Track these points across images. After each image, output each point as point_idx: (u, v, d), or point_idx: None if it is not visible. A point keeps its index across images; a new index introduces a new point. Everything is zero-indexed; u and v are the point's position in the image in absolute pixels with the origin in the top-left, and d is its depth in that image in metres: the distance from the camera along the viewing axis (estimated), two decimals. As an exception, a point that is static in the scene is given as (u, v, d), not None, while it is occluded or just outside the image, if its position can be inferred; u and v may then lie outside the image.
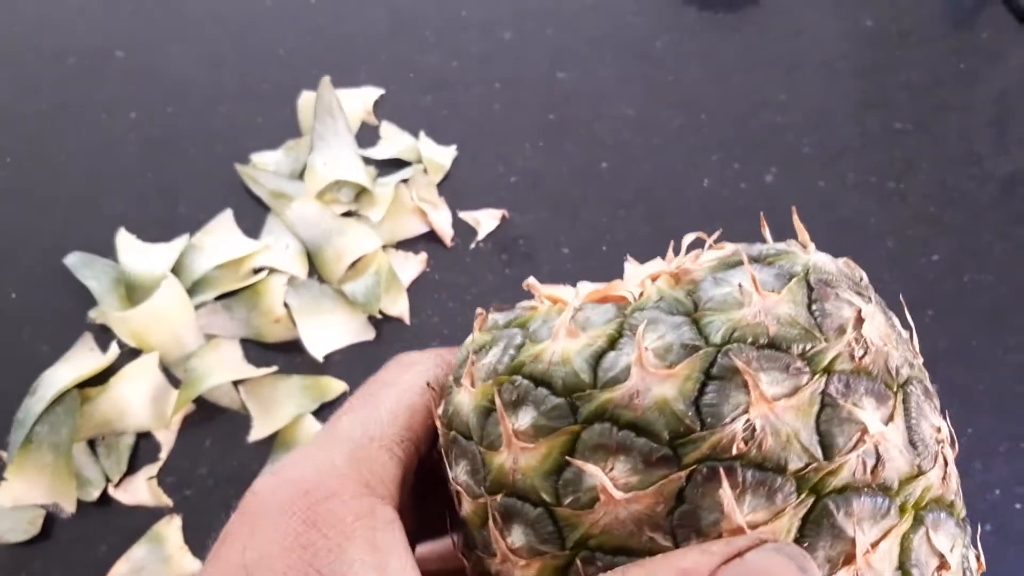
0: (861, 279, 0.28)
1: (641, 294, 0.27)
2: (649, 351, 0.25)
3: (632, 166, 0.71)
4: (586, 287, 0.31)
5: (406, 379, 0.31)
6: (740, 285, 0.25)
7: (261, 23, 0.77)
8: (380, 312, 0.63)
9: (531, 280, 0.30)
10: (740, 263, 0.27)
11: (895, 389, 0.26)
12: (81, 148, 0.70)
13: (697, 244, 0.30)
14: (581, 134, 0.72)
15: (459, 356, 0.30)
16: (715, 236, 0.30)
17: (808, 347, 0.25)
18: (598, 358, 0.25)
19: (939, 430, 0.27)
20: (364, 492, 0.27)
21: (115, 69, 0.74)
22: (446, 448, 0.29)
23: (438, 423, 0.29)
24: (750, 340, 0.24)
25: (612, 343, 0.25)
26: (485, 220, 0.68)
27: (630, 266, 0.31)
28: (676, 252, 0.30)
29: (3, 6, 0.77)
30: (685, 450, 0.24)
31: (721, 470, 0.23)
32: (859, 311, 0.26)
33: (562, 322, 0.26)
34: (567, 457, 0.25)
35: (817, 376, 0.24)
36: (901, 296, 0.32)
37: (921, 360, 0.28)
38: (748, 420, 0.23)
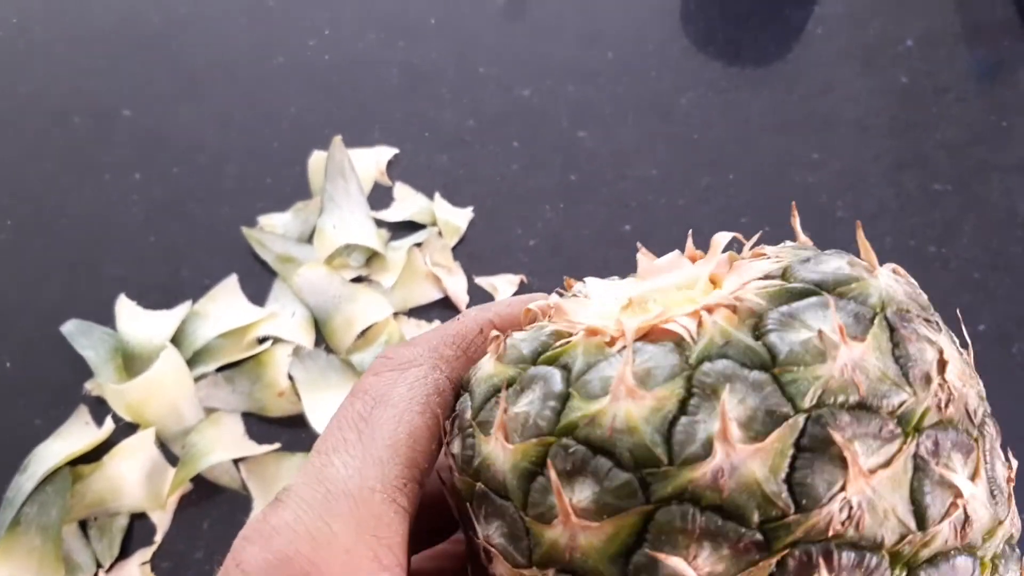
0: (920, 295, 0.26)
1: (699, 325, 0.23)
2: (733, 422, 0.21)
3: (657, 229, 0.68)
4: (597, 285, 0.28)
5: (402, 392, 0.26)
6: (821, 332, 0.22)
7: (272, 81, 0.74)
8: (390, 384, 0.59)
9: (556, 300, 0.27)
10: (805, 293, 0.24)
11: (975, 436, 0.24)
12: (83, 210, 0.68)
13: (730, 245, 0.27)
14: (603, 195, 0.69)
15: (478, 388, 0.26)
16: (754, 240, 0.27)
17: (898, 404, 0.22)
18: (670, 425, 0.22)
19: (1009, 466, 0.25)
20: (374, 570, 0.23)
21: (121, 129, 0.72)
22: (470, 499, 0.25)
23: (450, 461, 0.26)
24: (840, 401, 0.22)
25: (683, 405, 0.22)
26: (502, 286, 0.64)
27: (643, 259, 0.28)
28: (695, 244, 0.28)
29: (9, 64, 0.75)
30: (777, 533, 0.21)
31: (818, 555, 0.21)
32: (941, 352, 0.23)
33: (620, 378, 0.22)
34: (648, 551, 0.21)
35: (909, 438, 0.22)
36: (958, 311, 0.29)
37: (981, 383, 0.26)
38: (845, 498, 0.21)
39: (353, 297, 0.62)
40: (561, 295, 0.29)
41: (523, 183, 0.70)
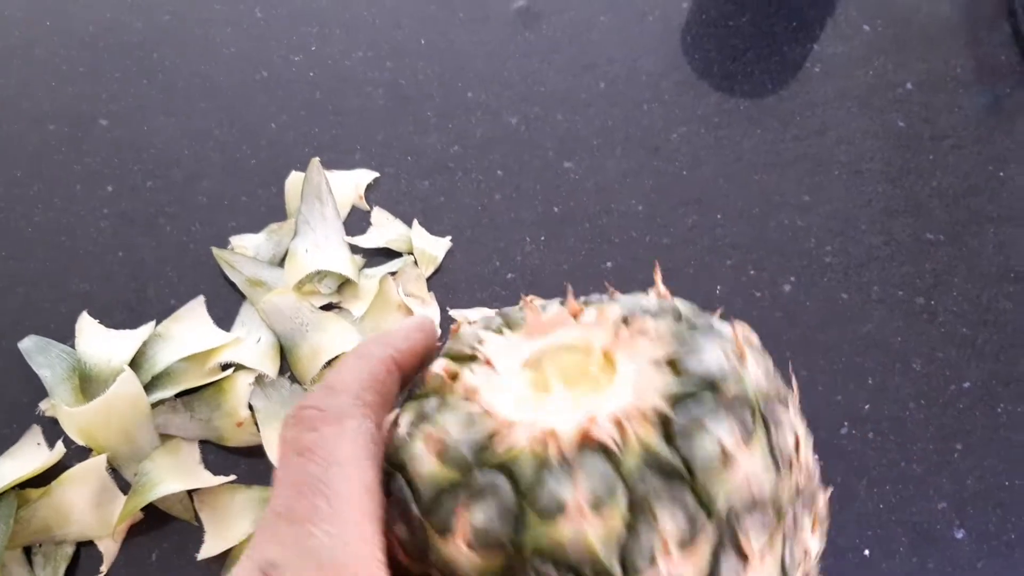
0: (768, 362, 0.30)
1: (622, 433, 0.26)
2: (670, 539, 0.25)
3: (640, 267, 0.66)
4: (491, 343, 0.30)
5: (349, 450, 0.27)
6: (723, 447, 0.26)
7: (253, 96, 0.73)
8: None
9: (464, 378, 0.30)
10: (699, 393, 0.27)
11: (813, 490, 0.29)
12: (51, 221, 0.66)
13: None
14: (586, 229, 0.68)
15: (421, 485, 0.28)
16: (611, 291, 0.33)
17: (774, 492, 0.27)
18: (620, 545, 0.25)
19: (824, 489, 0.31)
20: None
21: (96, 139, 0.70)
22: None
23: (393, 539, 0.28)
24: (739, 505, 0.26)
25: (628, 526, 0.25)
26: (477, 319, 0.62)
27: (530, 314, 0.31)
28: (576, 295, 0.33)
29: (-11, 66, 0.74)
30: None
31: None
32: (797, 436, 0.28)
33: (575, 504, 0.25)
34: None
35: (780, 520, 0.27)
36: (792, 381, 0.33)
37: (804, 422, 0.31)
38: None
39: (321, 325, 0.60)
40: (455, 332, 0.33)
41: (504, 214, 0.68)
